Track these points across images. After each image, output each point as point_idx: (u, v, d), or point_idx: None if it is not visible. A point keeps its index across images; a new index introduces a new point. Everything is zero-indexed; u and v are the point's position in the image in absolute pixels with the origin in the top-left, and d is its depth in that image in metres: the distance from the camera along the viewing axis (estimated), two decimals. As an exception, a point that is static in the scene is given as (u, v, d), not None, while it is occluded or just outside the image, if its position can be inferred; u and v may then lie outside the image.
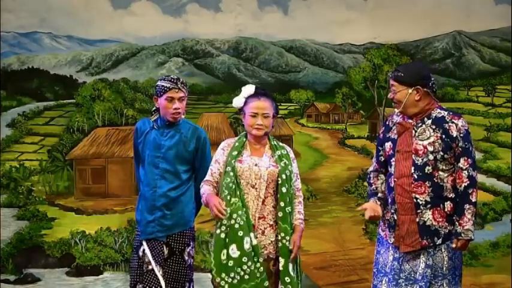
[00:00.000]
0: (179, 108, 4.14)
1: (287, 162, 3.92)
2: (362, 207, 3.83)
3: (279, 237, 3.84)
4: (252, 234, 3.77)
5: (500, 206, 7.24)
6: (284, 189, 3.85)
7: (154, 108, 4.23)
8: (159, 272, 4.12)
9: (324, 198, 7.49)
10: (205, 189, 3.88)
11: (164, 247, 4.16)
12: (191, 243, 4.24)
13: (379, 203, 3.83)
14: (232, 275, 3.76)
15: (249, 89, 4.01)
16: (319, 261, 7.07)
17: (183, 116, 4.23)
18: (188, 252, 4.22)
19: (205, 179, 3.93)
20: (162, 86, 4.13)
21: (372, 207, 3.79)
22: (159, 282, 4.12)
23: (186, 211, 4.22)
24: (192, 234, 4.26)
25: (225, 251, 3.79)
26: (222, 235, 3.81)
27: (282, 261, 3.83)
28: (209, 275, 3.98)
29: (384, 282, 3.75)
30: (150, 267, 4.13)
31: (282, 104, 7.85)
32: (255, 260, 3.77)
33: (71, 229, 7.18)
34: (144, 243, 4.15)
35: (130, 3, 7.53)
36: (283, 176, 3.86)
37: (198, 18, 7.59)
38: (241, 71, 7.81)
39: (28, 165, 7.44)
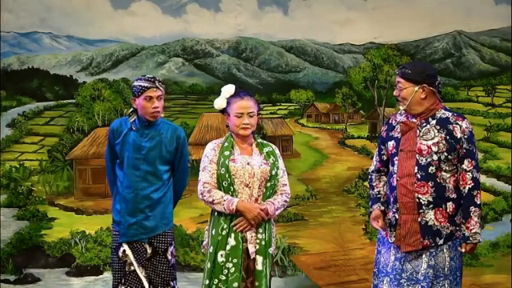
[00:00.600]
0: (158, 107, 4.12)
1: (274, 159, 3.98)
2: (372, 217, 3.84)
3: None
4: (233, 235, 3.84)
5: (500, 206, 7.23)
6: (269, 184, 3.90)
7: (132, 109, 4.19)
8: (141, 273, 4.11)
9: (324, 198, 7.49)
10: (223, 195, 3.88)
11: (147, 247, 4.14)
12: (173, 242, 4.25)
13: (382, 208, 3.84)
14: (219, 276, 3.83)
15: (229, 89, 4.03)
16: (319, 261, 7.07)
17: (162, 115, 4.21)
18: (171, 252, 4.23)
19: (204, 181, 3.92)
20: (140, 85, 4.11)
21: (377, 218, 3.82)
22: (142, 283, 4.11)
23: (167, 212, 4.22)
24: (173, 233, 4.27)
25: (219, 253, 3.87)
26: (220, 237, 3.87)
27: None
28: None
29: (385, 282, 3.75)
30: (132, 268, 4.12)
31: (282, 104, 7.85)
32: (233, 261, 3.82)
33: (71, 229, 7.18)
34: (125, 245, 4.13)
35: (130, 3, 7.52)
36: (273, 172, 3.91)
37: (198, 18, 7.58)
38: (241, 71, 7.80)
39: (28, 165, 7.43)
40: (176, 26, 7.59)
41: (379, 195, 3.89)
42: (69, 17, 7.49)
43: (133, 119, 4.17)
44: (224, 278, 3.81)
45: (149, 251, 4.17)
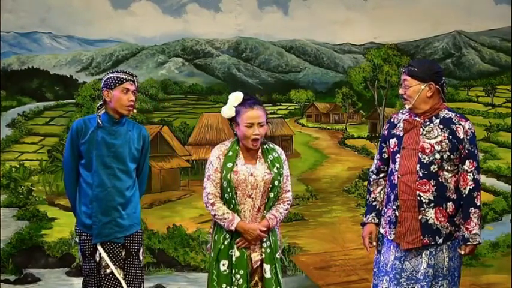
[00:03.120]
0: (133, 102, 4.03)
1: (279, 166, 3.92)
2: (364, 234, 3.86)
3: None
4: (235, 246, 3.86)
5: (500, 206, 7.23)
6: (271, 195, 3.88)
7: (101, 102, 4.10)
8: (119, 275, 4.05)
9: (324, 198, 7.49)
10: (224, 212, 3.86)
11: (121, 249, 4.08)
12: (143, 243, 4.21)
13: (377, 220, 3.86)
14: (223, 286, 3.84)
15: (237, 97, 3.91)
16: (319, 261, 7.07)
17: (135, 111, 4.14)
18: (142, 252, 4.20)
19: (208, 191, 3.88)
20: (117, 77, 4.02)
21: (370, 234, 3.85)
22: (121, 285, 4.05)
23: (137, 211, 4.17)
24: (143, 234, 4.24)
25: (221, 262, 3.88)
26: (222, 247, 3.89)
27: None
28: (209, 275, 4.00)
29: (385, 281, 3.75)
30: (108, 270, 4.03)
31: (282, 104, 7.85)
32: (240, 272, 3.84)
33: (71, 229, 7.16)
34: (99, 246, 4.04)
35: (130, 3, 7.52)
36: (275, 183, 3.87)
37: (198, 18, 7.58)
38: (241, 71, 7.80)
39: (28, 165, 7.43)
40: (176, 26, 7.59)
41: (374, 203, 3.89)
42: (69, 17, 7.49)
43: (102, 112, 4.06)
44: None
45: (123, 253, 4.09)
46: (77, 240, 4.24)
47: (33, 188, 7.40)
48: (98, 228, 4.04)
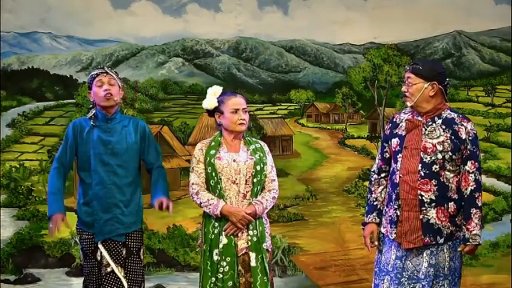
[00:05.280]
0: (109, 90, 4.05)
1: (261, 154, 4.02)
2: (366, 233, 3.86)
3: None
4: (223, 233, 3.90)
5: (500, 206, 7.23)
6: (255, 180, 3.92)
7: (91, 105, 4.17)
8: (120, 273, 4.05)
9: (324, 198, 7.49)
10: (209, 198, 3.93)
11: (122, 248, 4.08)
12: (143, 242, 4.23)
13: (378, 220, 3.86)
14: (216, 275, 3.89)
15: (216, 90, 4.10)
16: (319, 261, 7.07)
17: (116, 98, 4.13)
18: (143, 251, 4.21)
19: (192, 182, 3.98)
20: (91, 76, 4.14)
21: (371, 234, 3.85)
22: (122, 283, 4.05)
23: (139, 209, 4.19)
24: (143, 233, 4.25)
25: (214, 252, 3.92)
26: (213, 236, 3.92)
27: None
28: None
29: (385, 281, 3.76)
30: (108, 269, 4.04)
31: (282, 104, 7.85)
32: (227, 260, 3.87)
33: (71, 229, 7.17)
34: (100, 245, 4.06)
35: (130, 3, 7.52)
36: (258, 168, 3.94)
37: (198, 18, 7.59)
38: (241, 71, 7.80)
39: (28, 165, 7.43)
40: (176, 26, 7.59)
41: (376, 203, 3.90)
42: (69, 17, 7.49)
43: (92, 113, 4.12)
44: (220, 276, 3.84)
45: (124, 252, 4.11)
46: (77, 240, 4.26)
47: (33, 188, 7.39)
48: (100, 226, 4.06)
